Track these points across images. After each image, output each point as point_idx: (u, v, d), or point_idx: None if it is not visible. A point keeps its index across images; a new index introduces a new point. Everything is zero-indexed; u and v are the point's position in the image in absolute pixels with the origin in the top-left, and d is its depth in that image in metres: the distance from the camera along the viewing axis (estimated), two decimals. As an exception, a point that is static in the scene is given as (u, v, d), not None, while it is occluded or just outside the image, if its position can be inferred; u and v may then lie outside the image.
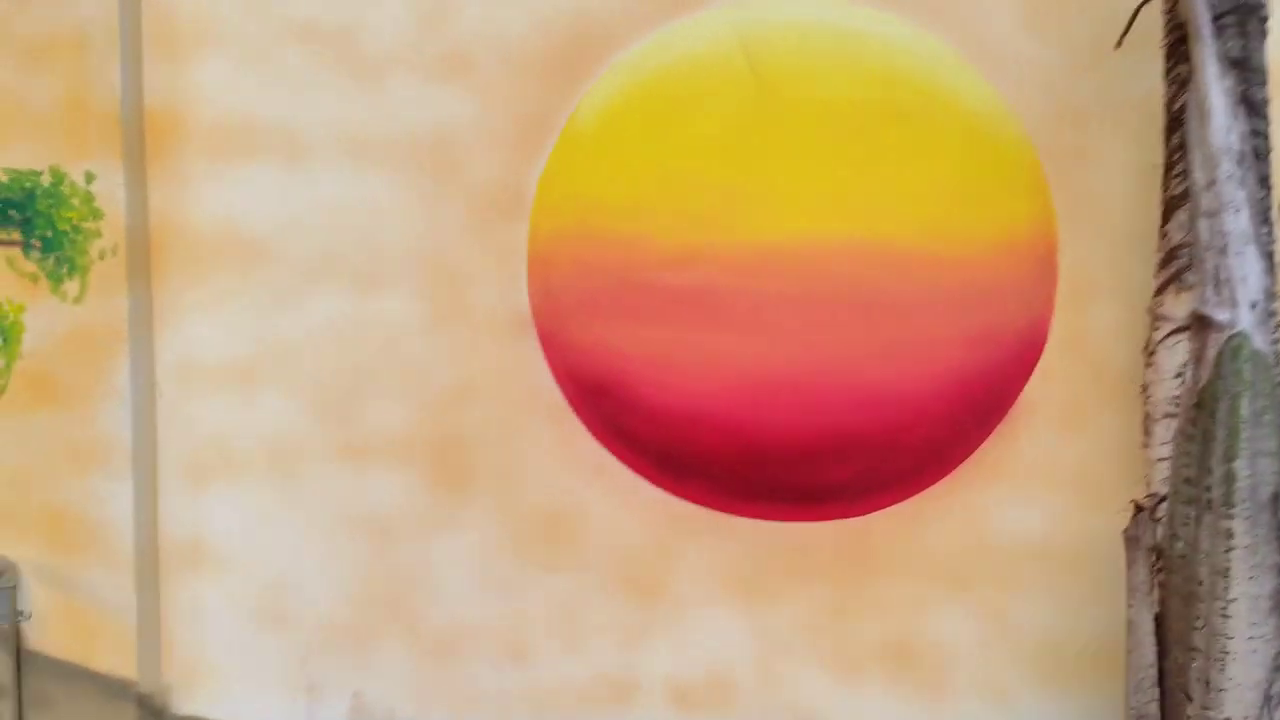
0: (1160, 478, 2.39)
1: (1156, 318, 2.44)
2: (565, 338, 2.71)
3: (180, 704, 2.85)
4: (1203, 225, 2.32)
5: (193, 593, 2.83)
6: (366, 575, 2.79)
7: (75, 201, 2.76)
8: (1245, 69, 2.36)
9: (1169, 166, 2.45)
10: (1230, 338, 2.28)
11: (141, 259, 2.78)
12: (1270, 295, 2.33)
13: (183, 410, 2.82)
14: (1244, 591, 2.23)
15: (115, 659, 2.77)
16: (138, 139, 2.76)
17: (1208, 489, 2.26)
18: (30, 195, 2.77)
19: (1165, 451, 2.38)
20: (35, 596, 2.80)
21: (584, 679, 2.73)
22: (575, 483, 2.73)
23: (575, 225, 2.69)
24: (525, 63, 2.70)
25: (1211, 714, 2.26)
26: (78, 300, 2.77)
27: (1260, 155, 2.37)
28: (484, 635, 2.76)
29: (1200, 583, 2.26)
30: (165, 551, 2.83)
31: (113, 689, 2.77)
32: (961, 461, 2.67)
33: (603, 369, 2.68)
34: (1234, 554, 2.24)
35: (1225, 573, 2.24)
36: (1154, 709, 2.36)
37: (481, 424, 2.75)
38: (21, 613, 2.78)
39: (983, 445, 2.66)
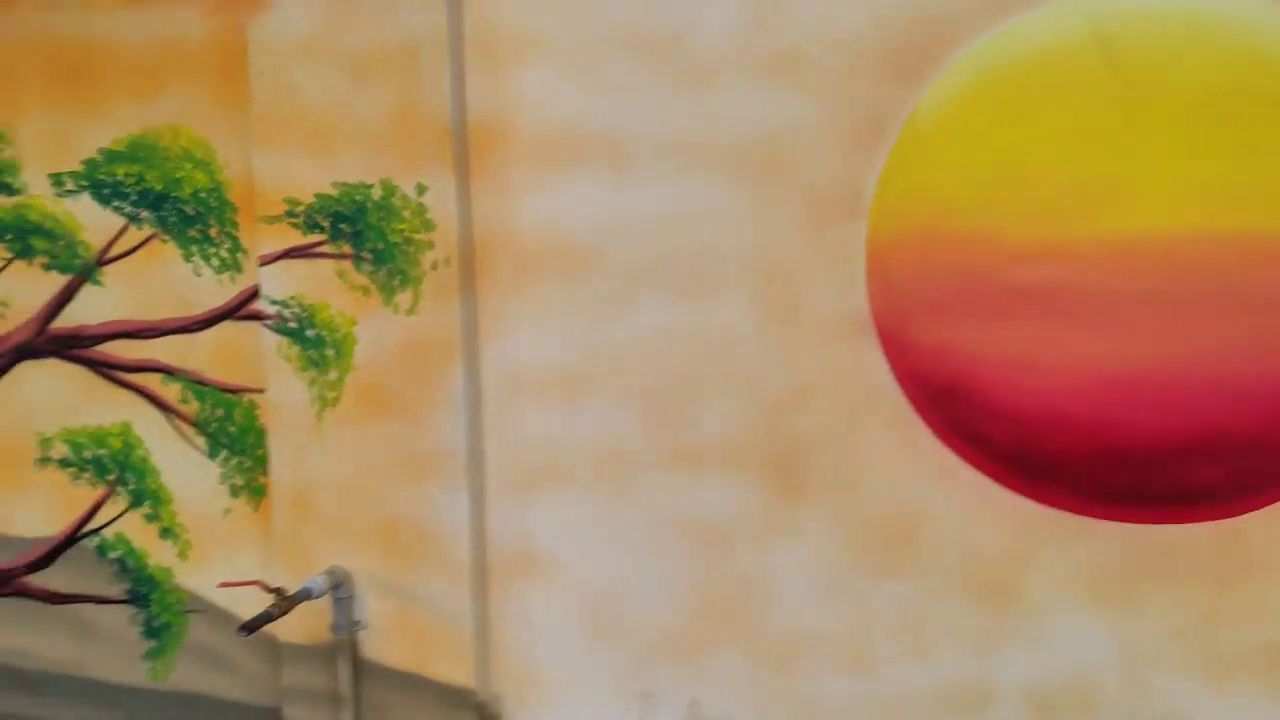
0: None
1: None
2: (907, 339, 2.66)
3: (511, 713, 2.86)
4: None
5: (521, 602, 2.83)
6: (701, 582, 2.76)
7: (406, 214, 2.77)
8: None
9: None
10: None
11: (470, 269, 2.81)
12: None
13: (509, 419, 2.84)
14: None
15: (452, 667, 2.78)
16: (465, 150, 2.79)
17: None
18: (361, 208, 2.80)
19: None
20: (371, 607, 2.83)
21: (932, 688, 2.67)
22: (919, 486, 2.66)
23: (918, 223, 2.63)
24: (862, 60, 2.64)
25: None
26: (410, 312, 2.78)
27: None
28: (824, 643, 2.71)
29: None
30: (493, 560, 2.85)
31: (450, 698, 2.78)
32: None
33: (950, 370, 2.62)
34: None
35: None
36: None
37: (818, 428, 2.70)
38: (358, 623, 2.80)
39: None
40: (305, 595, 2.71)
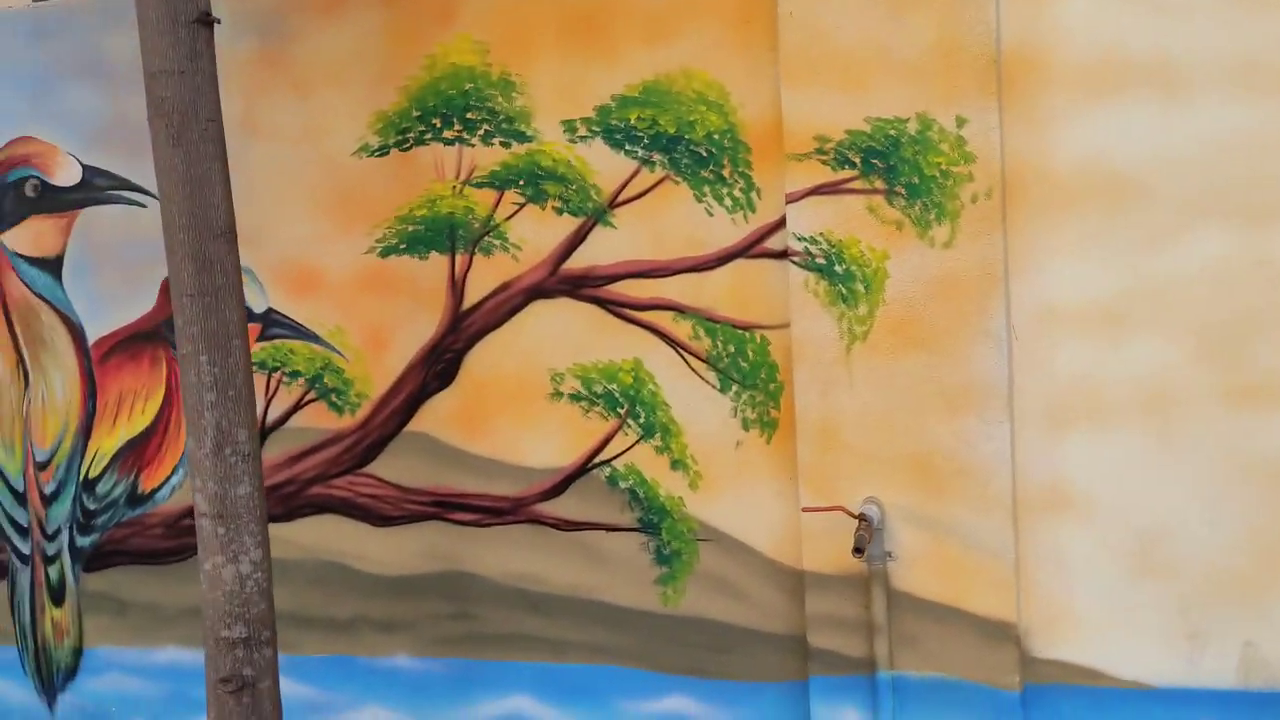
0: None
1: None
2: None
3: (1041, 648, 2.87)
4: None
5: (1054, 537, 2.81)
6: (1262, 524, 2.69)
7: (944, 147, 2.76)
8: None
9: None
10: None
11: (1008, 202, 2.79)
12: None
13: (1041, 354, 2.82)
14: None
15: (990, 601, 2.79)
16: (1005, 81, 2.77)
17: None
18: (895, 143, 2.80)
19: None
20: (900, 538, 2.89)
21: None
22: None
23: None
24: None
25: None
26: (947, 245, 2.78)
27: None
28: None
29: None
30: (1024, 495, 2.85)
31: (988, 630, 2.79)
32: None
33: None
34: None
35: None
36: None
37: (1402, 361, 2.59)
38: (888, 554, 2.86)
39: None
40: (872, 522, 2.77)
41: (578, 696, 3.24)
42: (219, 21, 2.41)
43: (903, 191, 2.81)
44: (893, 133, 2.80)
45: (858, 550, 2.62)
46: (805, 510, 2.82)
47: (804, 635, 2.98)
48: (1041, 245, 2.77)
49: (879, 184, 2.83)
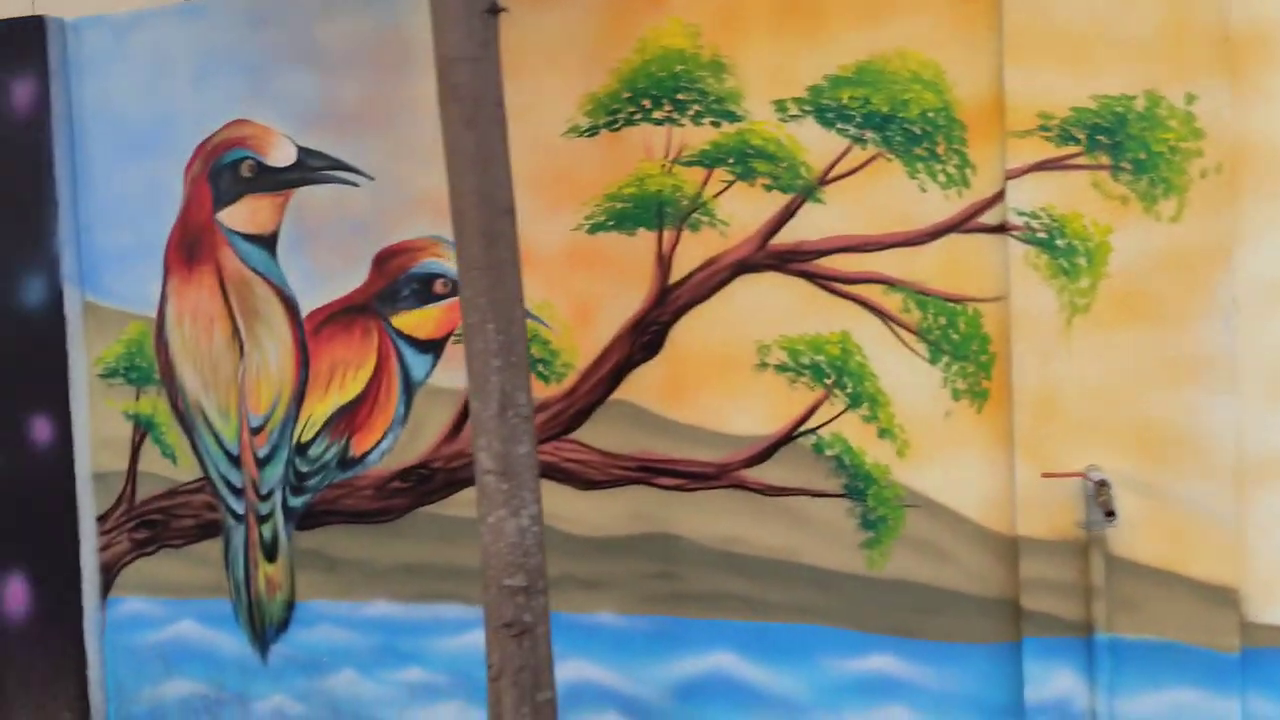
0: None
1: None
2: None
3: (1259, 613, 2.93)
4: None
5: (1274, 504, 2.89)
6: None
7: (1173, 123, 2.82)
8: None
9: None
10: None
11: (1237, 177, 2.84)
12: None
13: (1265, 326, 2.87)
14: None
15: (1211, 566, 2.87)
16: (1234, 57, 2.82)
17: None
18: (1121, 120, 2.87)
19: None
20: (1120, 504, 2.97)
21: None
22: None
23: None
24: None
25: None
26: (1174, 219, 2.85)
27: None
28: None
29: None
30: (1245, 464, 2.91)
31: (1208, 595, 2.87)
32: None
33: None
34: None
35: None
36: None
37: None
38: (1110, 517, 2.96)
39: None
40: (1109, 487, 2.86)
41: (782, 655, 3.38)
42: (506, 10, 2.55)
43: (1129, 167, 2.87)
44: (1120, 110, 2.86)
45: (1109, 514, 2.71)
46: (1045, 476, 2.90)
47: (1014, 598, 3.08)
48: (1269, 220, 2.83)
49: (1104, 160, 2.89)
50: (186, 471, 4.04)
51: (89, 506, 4.17)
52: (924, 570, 3.23)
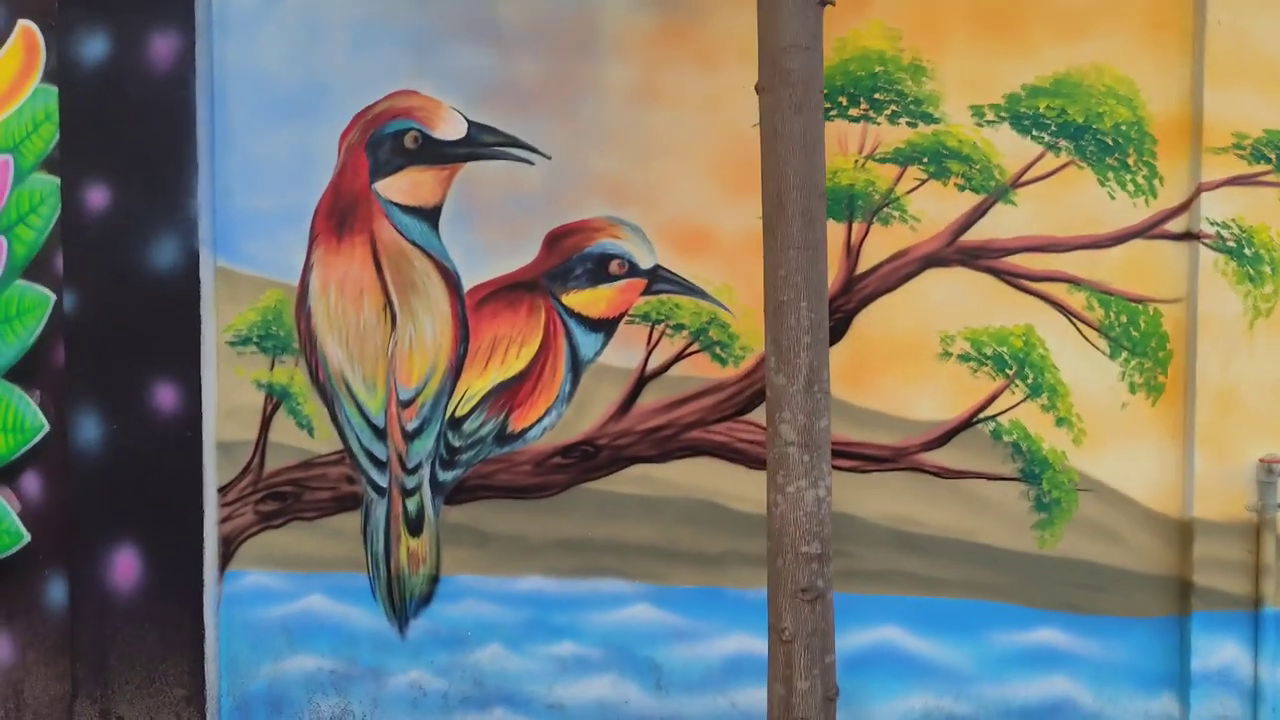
0: None
1: None
2: None
3: (1402, 589, 3.29)
4: None
5: None
6: None
7: (1359, 148, 3.15)
8: None
9: None
10: None
11: None
12: None
13: None
14: None
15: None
16: None
17: None
18: (1312, 143, 3.18)
19: None
20: (1290, 491, 3.27)
21: None
22: None
23: None
24: None
25: None
26: (1373, 235, 3.17)
27: None
28: None
29: None
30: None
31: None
32: None
33: None
34: None
35: None
36: None
37: None
38: (1279, 506, 3.24)
39: None
40: None
41: (949, 628, 3.59)
42: (834, 3, 2.64)
43: (1330, 189, 3.19)
44: (1305, 136, 3.18)
45: None
46: (1263, 462, 3.19)
47: (1179, 576, 3.38)
48: None
49: (1291, 179, 3.21)
50: (324, 444, 3.97)
51: (213, 477, 4.08)
52: (1094, 549, 3.47)
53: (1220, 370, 3.28)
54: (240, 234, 4.06)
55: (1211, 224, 3.26)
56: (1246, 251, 3.26)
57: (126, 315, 4.05)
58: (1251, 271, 3.26)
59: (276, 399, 4.06)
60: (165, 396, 4.07)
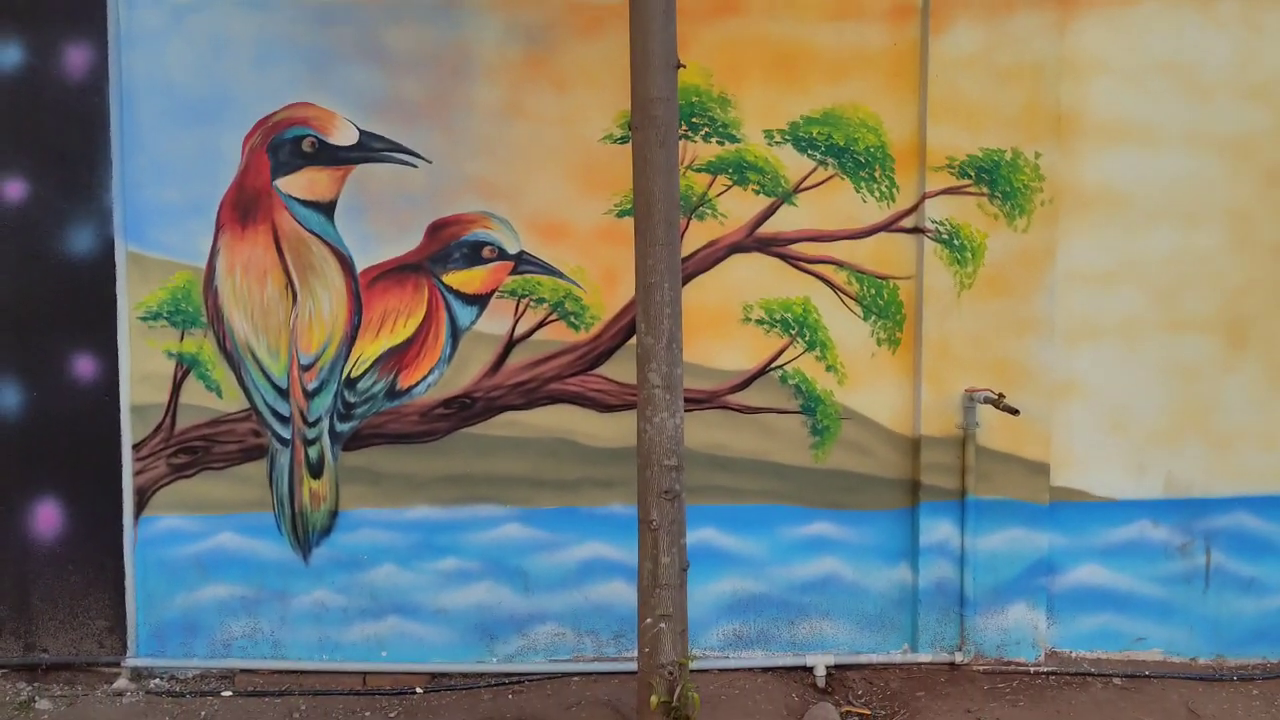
0: None
1: None
2: (1319, 259, 4.42)
3: (1059, 480, 4.59)
4: None
5: (1067, 412, 4.55)
6: (1179, 399, 4.53)
7: (1027, 170, 4.39)
8: None
9: None
10: None
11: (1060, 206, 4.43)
12: None
13: (1070, 298, 4.49)
14: None
15: (1034, 450, 4.54)
16: (1062, 129, 4.37)
17: None
18: (997, 165, 4.41)
19: None
20: (982, 413, 4.47)
21: (1314, 461, 4.54)
22: (1317, 346, 4.48)
23: (1333, 191, 4.38)
24: (1309, 91, 4.36)
25: None
26: (1024, 231, 4.42)
27: None
28: (1255, 435, 4.55)
29: None
30: (1054, 384, 4.52)
31: (1031, 468, 4.52)
32: None
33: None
34: None
35: None
36: None
37: (1262, 305, 4.47)
38: (975, 423, 4.46)
39: None
40: (991, 400, 4.38)
41: (750, 527, 4.67)
42: (684, 66, 3.50)
43: (999, 196, 4.45)
44: (996, 159, 4.43)
45: (1014, 411, 4.23)
46: (967, 392, 4.39)
47: (911, 478, 4.63)
48: (1073, 231, 4.49)
49: (984, 190, 4.45)
50: (232, 404, 4.61)
51: (129, 436, 4.57)
52: (853, 462, 4.67)
53: (938, 328, 4.52)
54: (151, 223, 4.58)
55: (932, 222, 4.49)
56: (955, 242, 4.49)
57: (46, 296, 4.58)
58: (959, 257, 4.50)
59: (186, 366, 4.64)
60: (84, 366, 4.56)
